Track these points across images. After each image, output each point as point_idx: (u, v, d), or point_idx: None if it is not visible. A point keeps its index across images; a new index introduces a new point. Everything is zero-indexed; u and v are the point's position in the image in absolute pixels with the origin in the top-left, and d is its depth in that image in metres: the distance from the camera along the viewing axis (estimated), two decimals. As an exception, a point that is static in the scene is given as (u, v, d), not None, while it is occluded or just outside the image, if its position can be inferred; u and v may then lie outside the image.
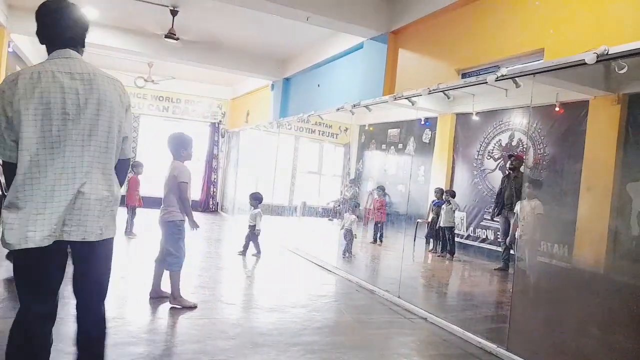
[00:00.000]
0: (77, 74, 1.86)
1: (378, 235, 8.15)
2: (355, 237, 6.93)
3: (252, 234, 6.48)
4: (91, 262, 1.97)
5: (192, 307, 3.84)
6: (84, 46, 2.02)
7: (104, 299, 2.05)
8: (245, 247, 6.51)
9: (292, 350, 3.14)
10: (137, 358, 2.80)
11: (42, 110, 1.77)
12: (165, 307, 3.84)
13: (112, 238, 2.00)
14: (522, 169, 6.25)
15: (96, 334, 2.03)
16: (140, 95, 12.31)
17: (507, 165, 6.41)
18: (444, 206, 7.11)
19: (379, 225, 8.15)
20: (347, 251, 6.81)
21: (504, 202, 6.27)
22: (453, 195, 7.24)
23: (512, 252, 6.20)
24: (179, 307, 3.81)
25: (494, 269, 6.37)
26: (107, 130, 1.91)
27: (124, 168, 2.09)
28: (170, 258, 3.85)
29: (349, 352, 3.26)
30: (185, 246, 3.93)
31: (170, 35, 7.66)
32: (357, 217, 7.06)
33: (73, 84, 1.84)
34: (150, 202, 11.16)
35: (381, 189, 8.11)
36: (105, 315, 2.07)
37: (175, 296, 3.84)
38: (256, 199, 6.58)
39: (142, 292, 4.22)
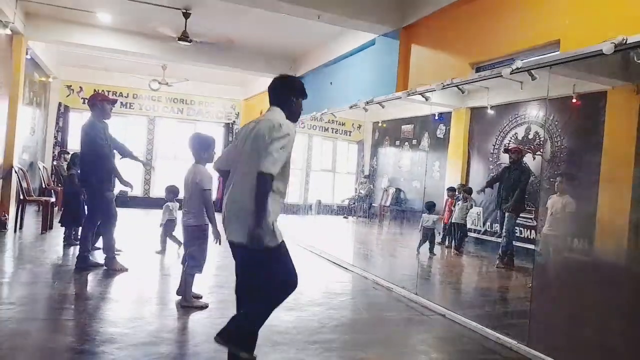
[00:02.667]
0: None
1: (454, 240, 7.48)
2: (440, 234, 7.08)
3: (169, 229, 6.12)
4: None
5: (203, 308, 3.86)
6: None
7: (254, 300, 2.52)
8: (164, 244, 6.15)
9: (310, 349, 3.15)
10: (158, 357, 2.84)
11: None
12: (185, 307, 3.88)
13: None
14: (524, 161, 6.25)
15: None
16: (155, 97, 12.46)
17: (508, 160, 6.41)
18: (458, 202, 7.03)
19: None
20: (430, 250, 6.85)
21: (501, 195, 6.24)
22: (469, 191, 7.16)
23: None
24: (190, 307, 3.83)
25: (496, 266, 6.28)
26: None
27: None
28: (191, 261, 3.86)
29: (367, 349, 3.26)
30: (207, 250, 3.95)
31: (183, 37, 7.73)
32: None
33: None
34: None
35: (451, 189, 7.68)
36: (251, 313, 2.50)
37: (187, 298, 3.87)
38: (172, 192, 6.19)
39: (161, 293, 4.28)
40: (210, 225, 3.85)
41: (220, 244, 3.59)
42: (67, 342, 3.00)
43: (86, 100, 5.08)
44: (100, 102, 4.90)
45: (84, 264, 4.82)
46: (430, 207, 6.95)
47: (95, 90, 11.60)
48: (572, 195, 5.14)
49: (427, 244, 6.80)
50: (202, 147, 3.81)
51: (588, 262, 5.13)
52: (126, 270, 4.87)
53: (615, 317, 3.90)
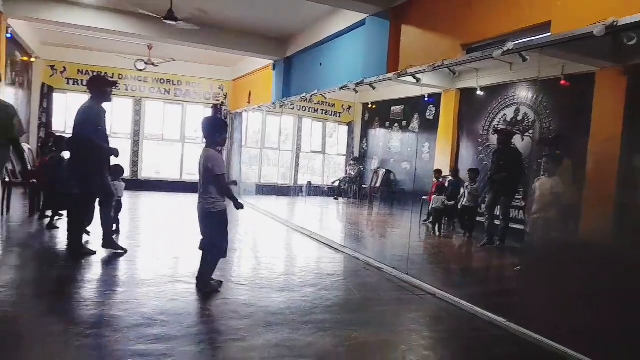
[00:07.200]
0: None
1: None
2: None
3: (118, 209, 5.88)
4: None
5: (218, 289, 3.93)
6: None
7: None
8: (117, 225, 5.87)
9: (304, 329, 3.20)
10: (152, 339, 2.85)
11: None
12: (178, 289, 3.89)
13: None
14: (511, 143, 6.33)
15: None
16: (141, 78, 12.23)
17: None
18: (467, 184, 6.87)
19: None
20: (439, 229, 7.23)
21: (492, 176, 6.33)
22: (456, 173, 7.20)
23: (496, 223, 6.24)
24: (211, 291, 3.86)
25: (480, 245, 6.34)
26: None
27: None
28: (213, 248, 3.87)
29: (359, 329, 3.31)
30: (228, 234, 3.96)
31: (170, 16, 7.55)
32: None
33: None
34: (161, 185, 11.31)
35: (437, 172, 7.65)
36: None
37: (206, 282, 3.90)
38: (117, 172, 5.86)
39: (153, 275, 4.28)
40: (233, 203, 3.85)
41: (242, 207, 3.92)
42: (58, 325, 3.00)
43: (85, 82, 5.02)
44: (103, 87, 4.80)
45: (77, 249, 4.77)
46: (440, 189, 7.10)
47: (79, 71, 11.48)
48: (559, 176, 5.19)
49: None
50: (216, 130, 3.80)
51: (574, 242, 5.23)
52: (126, 250, 4.93)
53: (600, 295, 4.00)
